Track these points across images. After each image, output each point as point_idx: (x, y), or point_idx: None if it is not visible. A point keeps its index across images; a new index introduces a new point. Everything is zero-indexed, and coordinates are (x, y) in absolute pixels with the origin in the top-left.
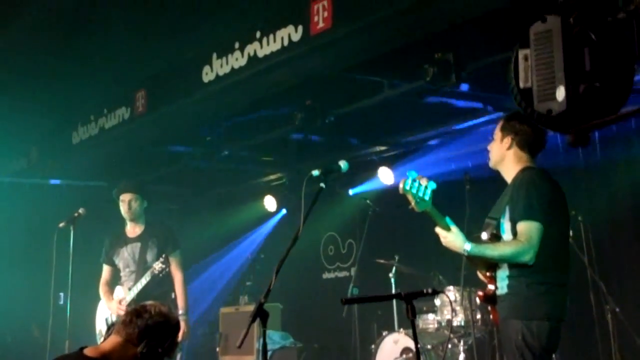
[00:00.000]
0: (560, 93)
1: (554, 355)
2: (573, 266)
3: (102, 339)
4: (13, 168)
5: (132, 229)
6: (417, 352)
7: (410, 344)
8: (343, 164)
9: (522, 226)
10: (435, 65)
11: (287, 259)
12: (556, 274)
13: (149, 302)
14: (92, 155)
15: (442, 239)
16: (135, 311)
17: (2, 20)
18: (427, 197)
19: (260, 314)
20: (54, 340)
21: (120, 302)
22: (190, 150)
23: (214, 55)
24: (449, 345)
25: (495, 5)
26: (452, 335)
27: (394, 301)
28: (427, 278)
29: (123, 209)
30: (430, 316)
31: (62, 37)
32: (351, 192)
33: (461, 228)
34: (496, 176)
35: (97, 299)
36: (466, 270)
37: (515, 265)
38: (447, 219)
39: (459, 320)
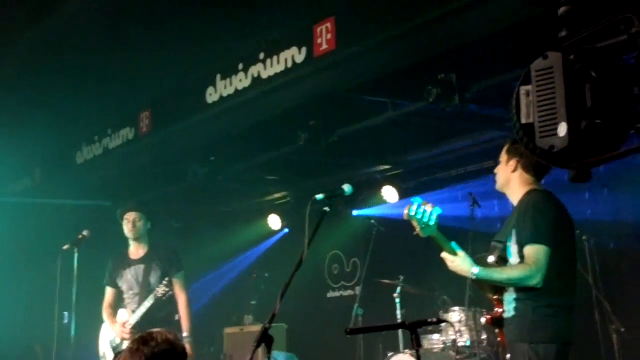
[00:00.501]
0: (562, 129)
1: None
2: (578, 286)
3: None
4: (17, 188)
5: (136, 251)
6: None
7: None
8: (347, 187)
9: (529, 250)
10: (438, 86)
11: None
12: (563, 297)
13: (155, 330)
14: (96, 175)
15: (449, 264)
16: (142, 339)
17: (7, 41)
18: (432, 223)
19: (265, 340)
20: None
21: (124, 325)
22: (195, 169)
23: (218, 77)
24: None
25: (498, 28)
26: (457, 357)
27: None
28: (432, 298)
29: (127, 228)
30: (436, 337)
31: (66, 58)
32: (354, 212)
33: (465, 248)
34: (501, 197)
35: (101, 320)
36: (471, 291)
37: (522, 289)
38: (454, 244)
39: (464, 341)
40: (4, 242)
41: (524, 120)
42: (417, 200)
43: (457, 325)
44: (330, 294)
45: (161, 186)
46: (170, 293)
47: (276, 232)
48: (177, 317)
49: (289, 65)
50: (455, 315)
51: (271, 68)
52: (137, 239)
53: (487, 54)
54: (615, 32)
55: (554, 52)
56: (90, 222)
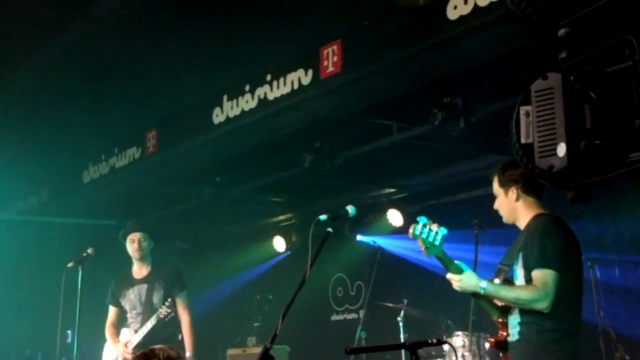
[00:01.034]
0: (562, 149)
1: None
2: (582, 312)
3: None
4: (24, 207)
5: (139, 270)
6: None
7: None
8: (350, 209)
9: (537, 274)
10: (444, 110)
11: (295, 301)
12: (568, 322)
13: (157, 346)
14: (103, 194)
15: (454, 284)
16: (144, 356)
17: (15, 61)
18: (437, 243)
19: None
20: None
21: (126, 344)
22: (200, 190)
23: (225, 97)
24: None
25: (503, 52)
26: None
27: None
28: (436, 322)
29: (132, 248)
30: None
31: (73, 78)
32: (358, 237)
33: None
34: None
35: (104, 339)
36: (475, 315)
37: (527, 312)
38: (462, 264)
39: None
40: (9, 259)
41: (523, 140)
42: (422, 220)
43: (460, 350)
44: (334, 317)
45: (166, 206)
46: (173, 314)
47: (280, 254)
48: (180, 337)
49: (295, 87)
50: (459, 339)
51: (277, 90)
52: (141, 259)
53: (492, 78)
54: (621, 56)
55: (554, 72)
56: (96, 241)
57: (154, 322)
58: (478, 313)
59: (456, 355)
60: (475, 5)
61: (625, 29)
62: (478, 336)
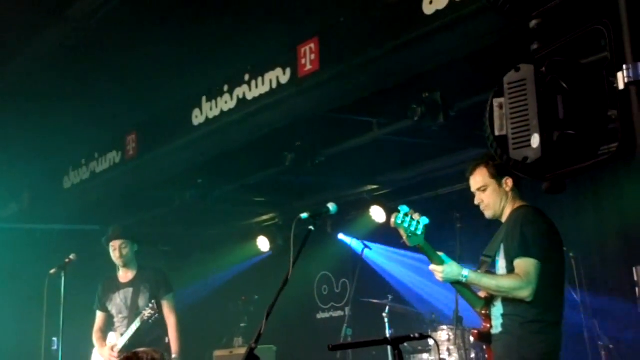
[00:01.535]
0: (535, 141)
1: None
2: (566, 303)
3: None
4: (4, 214)
5: (125, 274)
6: None
7: None
8: (332, 206)
9: (519, 263)
10: (423, 105)
11: (281, 300)
12: (551, 313)
13: (141, 349)
14: (84, 199)
15: (437, 275)
16: (128, 359)
17: None
18: (419, 232)
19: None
20: None
21: (112, 348)
22: (182, 192)
23: (204, 99)
24: None
25: (480, 45)
26: None
27: None
28: (421, 317)
29: (114, 255)
30: (425, 356)
31: (53, 82)
32: (340, 236)
33: None
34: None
35: (91, 345)
36: (459, 309)
37: (510, 303)
38: (443, 256)
39: (452, 359)
40: None
41: (497, 133)
42: (404, 209)
43: (445, 344)
44: (320, 315)
45: (149, 209)
46: (157, 316)
47: (264, 254)
48: (167, 340)
49: (274, 86)
50: (444, 333)
51: (256, 89)
52: (124, 265)
53: (470, 72)
54: (598, 47)
55: (526, 64)
56: (78, 246)
57: (138, 324)
58: (463, 306)
59: (439, 349)
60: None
61: (596, 19)
62: (463, 330)
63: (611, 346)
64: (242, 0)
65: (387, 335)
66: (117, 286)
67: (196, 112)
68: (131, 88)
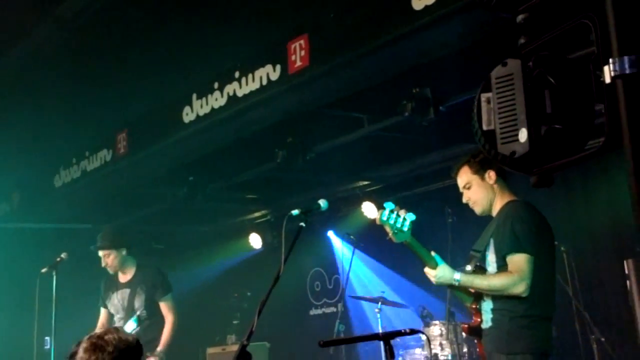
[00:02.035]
0: (523, 135)
1: None
2: (557, 297)
3: None
4: None
5: (123, 275)
6: None
7: None
8: (323, 202)
9: (511, 259)
10: (413, 100)
11: (273, 296)
12: (541, 307)
13: (100, 333)
14: (75, 198)
15: (432, 280)
16: (93, 345)
17: None
18: (405, 229)
19: (244, 357)
20: None
21: None
22: (174, 190)
23: (194, 96)
24: None
25: (470, 40)
26: None
27: None
28: (413, 312)
29: (103, 263)
30: (418, 350)
31: (41, 81)
32: (329, 233)
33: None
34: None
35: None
36: (451, 304)
37: (499, 298)
38: (436, 257)
39: (445, 354)
40: None
41: (485, 127)
42: (389, 206)
43: (438, 339)
44: (313, 312)
45: (141, 207)
46: (155, 317)
47: (256, 250)
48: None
49: (264, 82)
50: (436, 329)
51: (246, 86)
52: (116, 272)
53: (460, 67)
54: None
55: (513, 59)
56: (70, 245)
57: (134, 327)
58: (454, 303)
59: (430, 344)
60: None
61: (582, 13)
62: (455, 324)
63: (602, 339)
64: None
65: (380, 331)
66: (116, 286)
67: (187, 109)
68: (121, 86)
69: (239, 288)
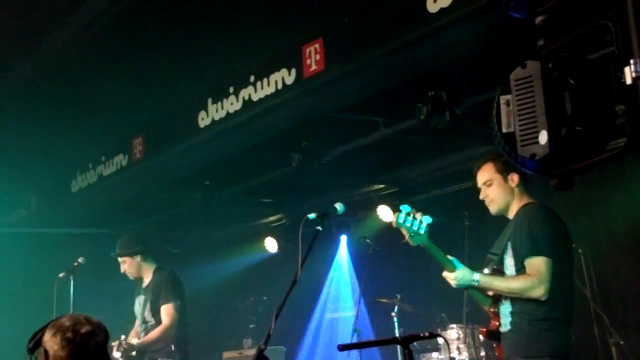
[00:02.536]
0: (543, 137)
1: None
2: (576, 300)
3: None
4: (13, 218)
5: (143, 280)
6: None
7: None
8: (339, 206)
9: (529, 262)
10: (428, 104)
11: (289, 301)
12: (561, 310)
13: (63, 320)
14: (91, 202)
15: (451, 283)
16: (67, 340)
17: (1, 69)
18: (422, 231)
19: None
20: None
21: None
22: (189, 194)
23: (209, 100)
24: None
25: (485, 42)
26: None
27: None
28: (430, 316)
29: (122, 270)
30: (435, 354)
31: (59, 87)
32: (341, 238)
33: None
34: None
35: None
36: (468, 308)
37: (518, 301)
38: (454, 260)
39: (462, 358)
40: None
41: (504, 130)
42: (405, 208)
43: (455, 343)
44: (329, 315)
45: (157, 212)
46: (159, 324)
47: (272, 254)
48: (172, 347)
49: (279, 86)
50: (453, 332)
51: (261, 90)
52: (135, 278)
53: (476, 69)
54: (603, 42)
55: (533, 60)
56: (87, 250)
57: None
58: (472, 305)
59: (449, 348)
60: None
61: (601, 14)
62: (472, 328)
63: (621, 342)
64: (246, 2)
65: (397, 335)
66: (138, 291)
67: (202, 114)
68: (137, 91)
69: (255, 292)
